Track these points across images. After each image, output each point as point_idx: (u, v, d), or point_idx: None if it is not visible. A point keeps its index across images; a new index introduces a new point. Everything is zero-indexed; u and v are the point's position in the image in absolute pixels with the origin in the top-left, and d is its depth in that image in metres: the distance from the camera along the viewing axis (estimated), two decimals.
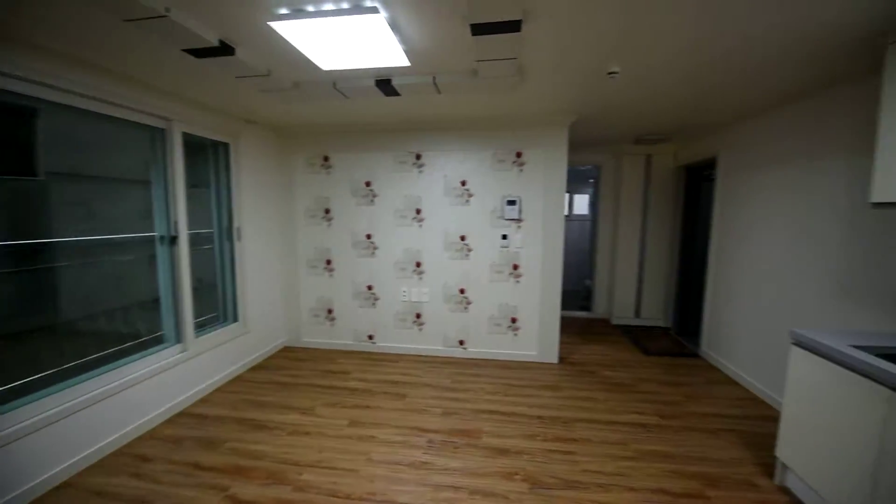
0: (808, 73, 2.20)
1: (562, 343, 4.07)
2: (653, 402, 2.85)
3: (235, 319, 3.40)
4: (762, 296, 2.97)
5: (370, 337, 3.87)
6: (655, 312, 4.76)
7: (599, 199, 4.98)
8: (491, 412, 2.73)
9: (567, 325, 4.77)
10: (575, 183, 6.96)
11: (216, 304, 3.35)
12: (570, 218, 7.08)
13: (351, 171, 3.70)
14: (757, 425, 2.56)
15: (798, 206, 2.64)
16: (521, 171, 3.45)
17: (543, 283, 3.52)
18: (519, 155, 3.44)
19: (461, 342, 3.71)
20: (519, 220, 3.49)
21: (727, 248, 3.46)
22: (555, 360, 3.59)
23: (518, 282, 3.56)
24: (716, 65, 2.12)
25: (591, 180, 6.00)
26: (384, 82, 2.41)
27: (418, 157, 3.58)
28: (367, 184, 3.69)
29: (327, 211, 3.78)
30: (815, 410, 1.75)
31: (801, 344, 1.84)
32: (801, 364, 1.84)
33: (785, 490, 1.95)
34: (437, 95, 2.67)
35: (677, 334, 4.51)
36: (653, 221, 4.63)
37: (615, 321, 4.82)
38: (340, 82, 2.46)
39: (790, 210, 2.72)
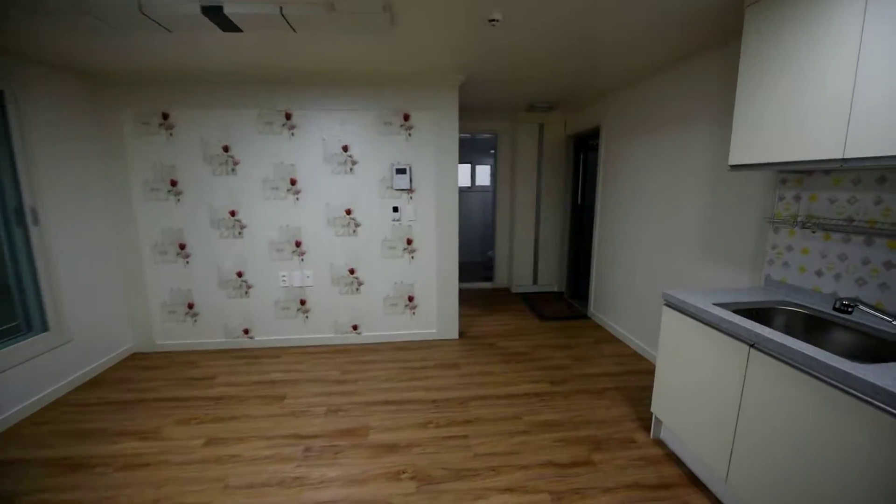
0: (681, 37, 2.21)
1: (463, 316, 3.98)
2: (546, 369, 2.88)
3: (45, 328, 2.58)
4: (638, 261, 3.15)
5: (246, 332, 3.31)
6: (551, 279, 4.95)
7: (497, 168, 4.92)
8: (383, 403, 2.47)
9: (470, 297, 4.71)
10: (476, 153, 6.88)
11: (13, 310, 2.49)
12: (472, 189, 7.02)
13: (202, 132, 2.99)
14: (638, 380, 2.72)
15: (668, 173, 2.77)
16: (410, 135, 3.12)
17: (440, 257, 3.32)
18: (407, 118, 3.09)
19: (355, 327, 3.37)
20: (410, 191, 3.19)
21: (609, 216, 3.61)
22: (455, 335, 3.47)
23: (413, 258, 3.30)
24: (597, 28, 2.00)
25: (493, 151, 5.94)
26: (213, 10, 1.84)
27: (288, 116, 3.02)
28: (226, 149, 3.02)
29: (174, 183, 3.04)
30: (684, 366, 1.81)
31: (670, 304, 1.88)
32: (671, 323, 1.89)
33: (660, 443, 2.05)
34: (295, 37, 2.17)
35: (570, 298, 4.76)
36: (546, 191, 4.72)
37: (515, 290, 4.91)
38: (151, 7, 1.82)
39: (662, 178, 2.85)
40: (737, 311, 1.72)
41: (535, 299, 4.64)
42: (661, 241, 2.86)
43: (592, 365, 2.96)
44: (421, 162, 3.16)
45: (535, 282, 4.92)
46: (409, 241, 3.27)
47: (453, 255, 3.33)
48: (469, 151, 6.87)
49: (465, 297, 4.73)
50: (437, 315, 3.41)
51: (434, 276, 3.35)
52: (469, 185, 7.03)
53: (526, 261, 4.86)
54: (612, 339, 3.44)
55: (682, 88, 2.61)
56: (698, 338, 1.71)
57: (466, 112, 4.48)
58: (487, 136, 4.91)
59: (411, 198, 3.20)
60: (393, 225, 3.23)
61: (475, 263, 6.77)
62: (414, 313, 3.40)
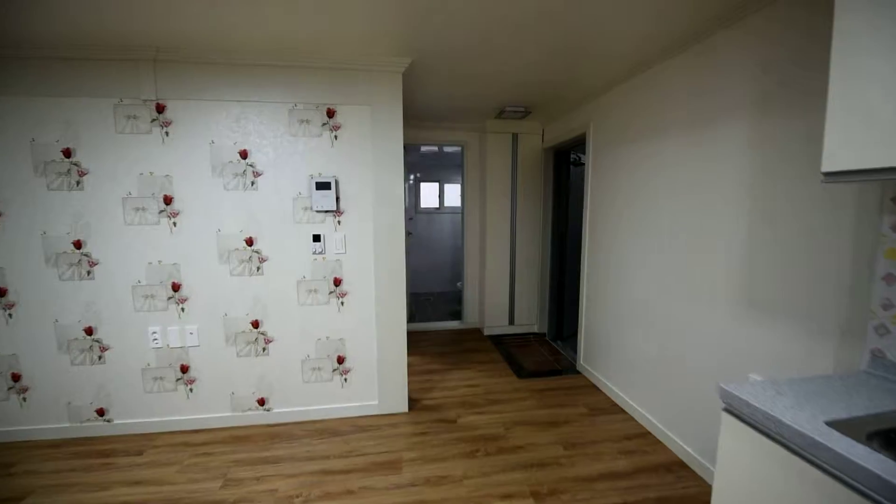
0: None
1: (419, 375, 3.07)
2: (527, 468, 2.00)
3: None
4: (648, 308, 2.36)
5: (101, 412, 2.31)
6: (529, 317, 4.13)
7: (465, 186, 4.14)
8: None
9: (433, 343, 3.82)
10: (445, 170, 6.14)
11: None
12: (441, 211, 6.24)
13: (31, 129, 2.07)
14: (662, 486, 1.88)
15: (686, 191, 2.03)
16: (337, 138, 2.30)
17: (381, 301, 2.45)
18: (331, 114, 2.27)
19: (261, 402, 2.42)
20: (337, 213, 2.34)
21: (601, 246, 2.85)
22: (403, 407, 2.56)
23: (343, 303, 2.42)
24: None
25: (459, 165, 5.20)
26: None
27: (160, 108, 2.14)
28: (67, 153, 2.11)
29: None
30: None
31: (739, 416, 1.07)
32: (741, 447, 1.07)
33: None
34: None
35: (553, 340, 3.94)
36: (523, 213, 3.96)
37: (487, 331, 4.06)
38: None
39: (677, 197, 2.10)
40: (871, 437, 0.92)
41: (511, 345, 3.79)
42: (681, 283, 2.08)
43: (592, 458, 2.10)
44: (352, 174, 2.32)
45: (511, 321, 4.09)
46: (338, 282, 2.39)
47: (399, 297, 2.47)
48: (437, 168, 6.12)
49: (428, 343, 3.84)
50: (379, 380, 2.51)
51: (373, 326, 2.46)
52: (437, 205, 6.25)
53: (500, 296, 4.03)
54: (613, 408, 2.61)
55: (702, 76, 1.90)
56: (811, 489, 0.89)
57: (425, 119, 3.72)
58: (453, 148, 4.15)
59: (339, 222, 2.35)
60: (314, 260, 2.35)
61: (446, 296, 5.91)
62: (346, 379, 2.48)
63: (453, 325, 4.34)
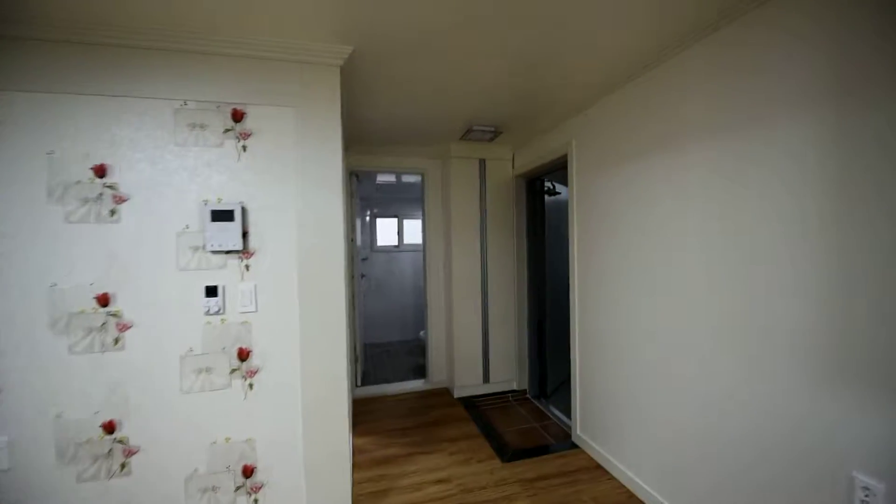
0: None
1: (370, 466, 2.28)
2: None
3: None
4: (670, 365, 1.81)
5: None
6: (507, 372, 3.48)
7: (426, 220, 3.57)
8: None
9: (392, 412, 3.04)
10: (404, 205, 5.58)
11: None
12: (401, 249, 5.61)
13: None
14: None
15: (717, 219, 1.56)
16: (246, 149, 1.65)
17: (309, 376, 1.72)
18: (239, 117, 1.64)
19: None
20: (243, 253, 1.64)
21: (595, 289, 2.33)
22: None
23: (252, 385, 1.66)
24: None
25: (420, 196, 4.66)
26: None
27: None
28: None
29: None
30: None
31: None
32: None
33: None
34: None
35: (536, 398, 3.30)
36: (494, 250, 3.42)
37: (458, 391, 3.34)
38: None
39: (706, 227, 1.62)
40: None
41: (487, 409, 3.10)
42: (722, 336, 1.56)
43: None
44: (267, 199, 1.66)
45: (485, 377, 3.41)
46: (244, 354, 1.65)
47: (338, 368, 1.76)
48: (395, 202, 5.55)
49: (384, 414, 3.05)
50: (307, 492, 1.72)
51: (298, 416, 1.71)
52: (396, 243, 5.62)
53: (471, 348, 3.37)
54: (626, 497, 1.96)
55: (741, 63, 1.48)
56: None
57: (378, 143, 3.17)
58: (413, 178, 3.61)
59: (247, 267, 1.64)
60: (207, 323, 1.61)
61: (408, 345, 5.15)
62: (257, 499, 1.68)
63: (416, 385, 3.59)
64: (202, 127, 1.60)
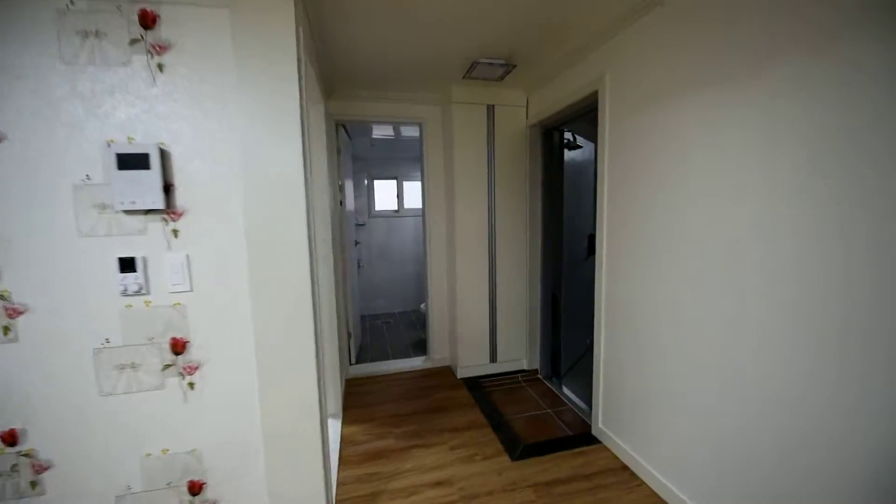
0: None
1: (360, 462, 1.97)
2: None
3: None
4: (724, 354, 1.41)
5: None
6: (517, 350, 3.13)
7: (426, 178, 3.10)
8: None
9: (388, 394, 2.73)
10: (403, 165, 5.08)
11: None
12: (401, 214, 5.17)
13: None
14: None
15: (817, 167, 1.09)
16: (163, 68, 1.19)
17: (269, 368, 1.34)
18: (150, 20, 1.17)
19: None
20: (169, 213, 1.23)
21: (629, 259, 1.89)
22: None
23: (193, 384, 1.30)
24: None
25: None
26: None
27: None
28: None
29: None
30: None
31: None
32: None
33: None
34: None
35: (548, 379, 2.96)
36: (504, 213, 2.97)
37: (462, 372, 3.02)
38: None
39: (801, 175, 1.16)
40: None
41: (494, 392, 2.77)
42: (796, 326, 1.14)
43: None
44: (197, 141, 1.22)
45: (492, 357, 3.07)
46: (179, 346, 1.27)
47: (306, 359, 1.37)
48: (394, 162, 5.05)
49: (380, 396, 2.75)
50: None
51: (256, 420, 1.35)
52: (396, 208, 5.18)
53: (477, 323, 3.01)
54: None
55: None
56: None
57: (364, 86, 2.66)
58: (414, 133, 3.10)
59: (175, 233, 1.23)
60: (128, 307, 1.22)
61: (409, 317, 4.82)
62: None
63: (416, 363, 3.27)
64: (98, 36, 1.14)
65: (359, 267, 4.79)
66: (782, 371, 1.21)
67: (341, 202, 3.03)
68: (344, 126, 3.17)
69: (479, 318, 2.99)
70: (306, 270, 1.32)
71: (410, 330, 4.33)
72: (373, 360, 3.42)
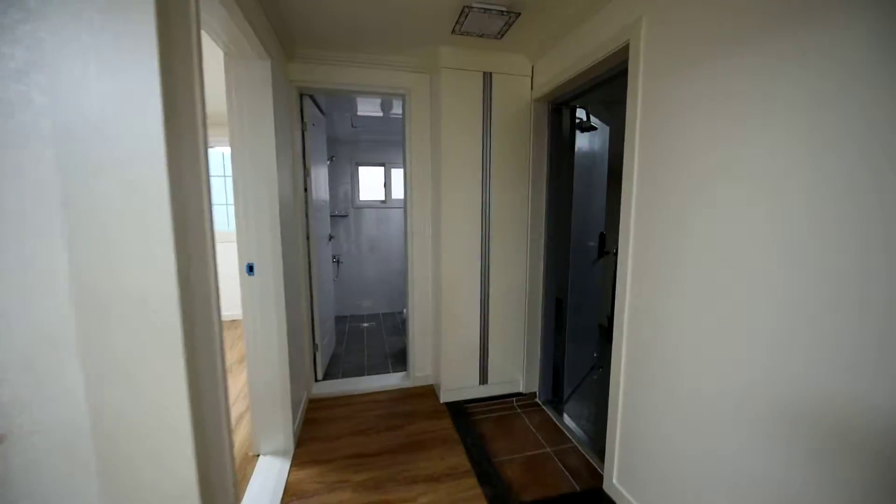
0: None
1: None
2: None
3: None
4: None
5: None
6: (511, 369, 2.65)
7: (409, 162, 2.59)
8: None
9: (356, 421, 2.25)
10: (392, 149, 4.56)
11: None
12: (388, 205, 4.67)
13: None
14: None
15: None
16: None
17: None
18: None
19: None
20: None
21: (665, 264, 1.40)
22: None
23: None
24: None
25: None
26: None
27: None
28: None
29: None
30: None
31: None
32: None
33: None
34: None
35: (549, 404, 2.49)
36: (501, 207, 2.46)
37: (446, 395, 2.53)
38: None
39: None
40: None
41: (483, 422, 2.30)
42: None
43: None
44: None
45: (483, 378, 2.59)
46: None
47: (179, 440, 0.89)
48: (381, 147, 4.53)
49: (345, 423, 2.27)
50: None
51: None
52: (383, 198, 4.67)
53: (465, 338, 2.52)
54: None
55: None
56: None
57: (331, 48, 2.15)
58: (390, 98, 2.58)
59: None
60: None
61: (395, 320, 4.33)
62: None
63: (394, 381, 2.79)
64: None
65: (338, 264, 4.30)
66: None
67: (305, 189, 2.53)
68: (313, 99, 2.66)
69: (467, 330, 2.51)
70: (170, 270, 0.82)
71: (394, 335, 3.85)
72: (345, 374, 2.94)
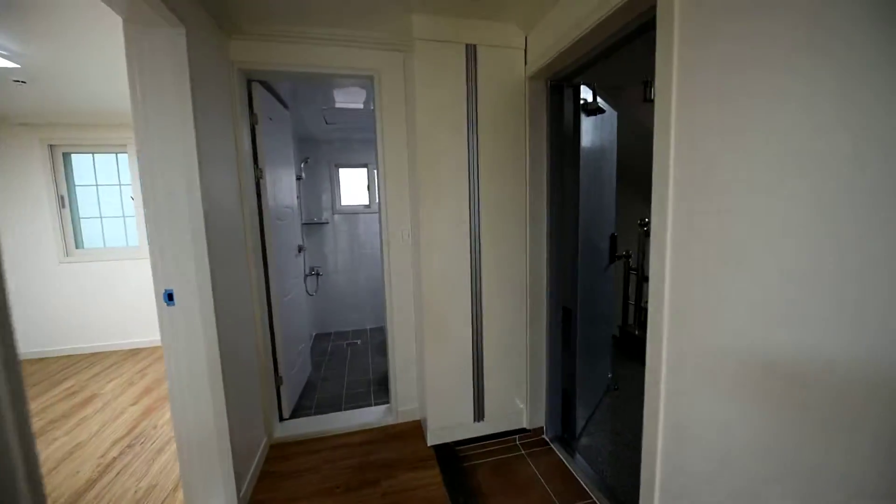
0: None
1: None
2: None
3: None
4: None
5: None
6: (512, 401, 2.22)
7: (382, 155, 2.18)
8: None
9: (325, 471, 1.83)
10: (373, 149, 4.14)
11: None
12: (371, 210, 4.26)
13: None
14: None
15: None
16: None
17: None
18: None
19: None
20: None
21: (722, 272, 0.98)
22: None
23: None
24: None
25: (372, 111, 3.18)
26: None
27: None
28: None
29: None
30: None
31: None
32: None
33: None
34: None
35: (558, 442, 2.07)
36: (493, 203, 2.05)
37: (434, 436, 2.10)
38: None
39: None
40: None
41: (479, 471, 1.87)
42: None
43: None
44: None
45: (478, 414, 2.16)
46: None
47: None
48: (364, 146, 4.13)
49: (311, 475, 1.85)
50: None
51: None
52: (367, 202, 4.26)
53: (454, 365, 2.10)
54: None
55: None
56: None
57: (288, 20, 1.74)
58: (350, 78, 2.17)
59: None
60: None
61: (379, 338, 3.89)
62: None
63: (375, 416, 2.37)
64: None
65: (317, 276, 3.89)
66: None
67: (259, 195, 2.12)
68: (269, 87, 2.25)
69: (457, 353, 2.09)
70: None
71: (380, 355, 3.43)
72: (319, 407, 2.52)
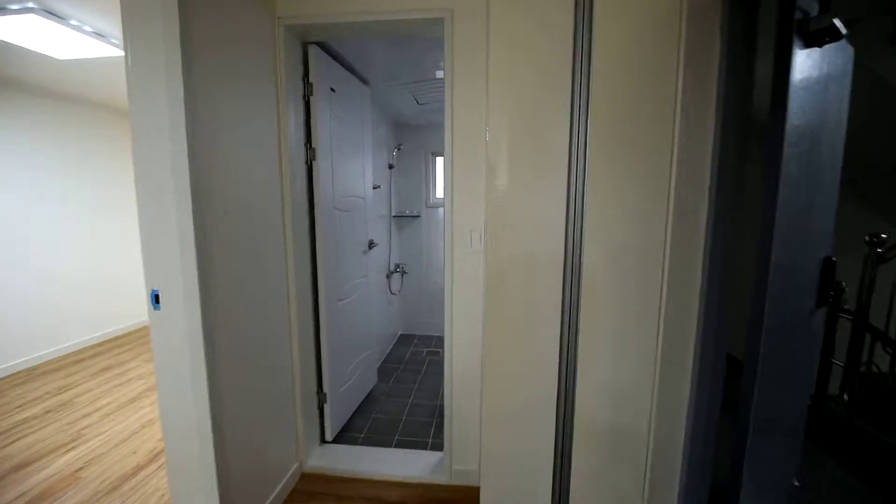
0: None
1: None
2: None
3: None
4: None
5: None
6: (615, 497, 1.45)
7: (448, 135, 1.63)
8: None
9: None
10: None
11: None
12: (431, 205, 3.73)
13: None
14: None
15: None
16: None
17: None
18: None
19: None
20: None
21: None
22: None
23: None
24: None
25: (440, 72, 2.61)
26: None
27: None
28: None
29: None
30: None
31: None
32: None
33: None
34: None
35: None
36: (607, 193, 1.31)
37: None
38: None
39: None
40: None
41: None
42: None
43: None
44: None
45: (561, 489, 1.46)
46: None
47: None
48: (427, 130, 3.62)
49: None
50: None
51: None
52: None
53: (527, 420, 1.44)
54: None
55: None
56: None
57: None
58: (414, 25, 1.65)
59: None
60: None
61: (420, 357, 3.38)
62: None
63: (422, 470, 1.85)
64: None
65: (402, 273, 3.57)
66: None
67: (310, 179, 1.79)
68: (332, 54, 1.91)
69: (528, 414, 1.42)
70: None
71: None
72: (369, 432, 2.14)
